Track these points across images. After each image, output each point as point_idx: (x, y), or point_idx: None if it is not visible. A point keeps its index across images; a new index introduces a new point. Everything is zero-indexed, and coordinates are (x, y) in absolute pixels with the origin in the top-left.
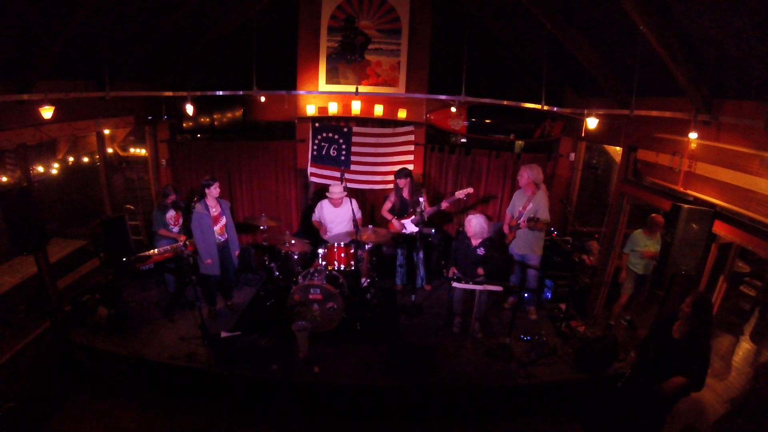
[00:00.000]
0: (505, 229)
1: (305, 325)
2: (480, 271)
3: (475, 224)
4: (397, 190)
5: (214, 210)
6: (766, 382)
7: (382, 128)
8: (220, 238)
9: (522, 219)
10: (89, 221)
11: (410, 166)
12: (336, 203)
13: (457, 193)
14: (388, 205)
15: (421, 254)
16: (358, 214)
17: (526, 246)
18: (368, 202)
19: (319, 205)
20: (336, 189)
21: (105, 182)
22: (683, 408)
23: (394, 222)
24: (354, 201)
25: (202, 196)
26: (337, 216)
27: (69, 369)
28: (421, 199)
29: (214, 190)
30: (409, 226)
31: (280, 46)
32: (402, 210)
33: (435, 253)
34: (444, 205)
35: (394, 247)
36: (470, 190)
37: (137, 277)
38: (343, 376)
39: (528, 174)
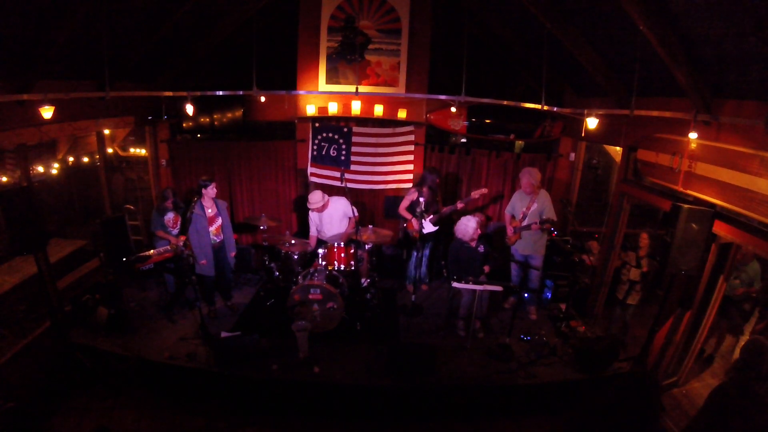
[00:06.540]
0: (509, 231)
1: (305, 325)
2: (486, 268)
3: (464, 227)
4: (432, 187)
5: (210, 210)
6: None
7: (382, 128)
8: (215, 238)
9: (528, 221)
10: (89, 221)
11: (410, 166)
12: (319, 210)
13: (472, 193)
14: (406, 203)
15: (426, 252)
16: (355, 213)
17: (530, 246)
18: (367, 202)
19: (310, 213)
20: (313, 198)
21: (105, 182)
22: (685, 405)
23: (414, 221)
24: (343, 198)
25: (199, 196)
26: (329, 217)
27: (69, 369)
28: (421, 200)
29: (211, 191)
30: (428, 226)
31: (280, 46)
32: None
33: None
34: (460, 205)
35: (405, 247)
36: (485, 190)
37: (137, 277)
38: (343, 376)
39: (528, 180)
